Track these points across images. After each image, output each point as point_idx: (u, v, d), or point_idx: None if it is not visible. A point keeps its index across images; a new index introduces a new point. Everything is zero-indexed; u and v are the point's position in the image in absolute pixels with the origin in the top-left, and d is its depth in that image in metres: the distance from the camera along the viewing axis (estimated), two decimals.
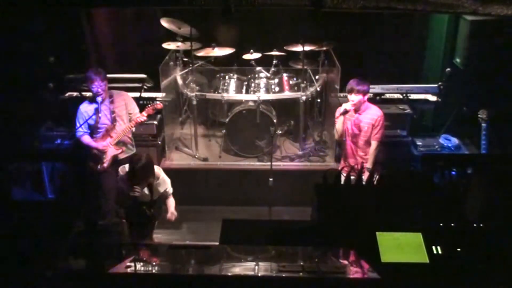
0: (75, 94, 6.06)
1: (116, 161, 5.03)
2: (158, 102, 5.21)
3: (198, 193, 5.87)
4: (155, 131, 5.85)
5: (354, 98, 4.60)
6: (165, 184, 4.46)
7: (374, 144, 4.68)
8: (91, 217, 2.37)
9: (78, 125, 4.88)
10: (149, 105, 5.03)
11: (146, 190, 4.22)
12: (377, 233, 2.30)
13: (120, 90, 5.22)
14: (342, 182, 3.89)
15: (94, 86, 4.79)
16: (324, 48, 6.10)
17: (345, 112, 4.64)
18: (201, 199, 5.86)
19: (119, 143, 5.00)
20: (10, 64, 5.48)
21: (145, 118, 4.94)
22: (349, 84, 4.65)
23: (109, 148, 4.95)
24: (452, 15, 5.97)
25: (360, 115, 4.69)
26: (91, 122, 4.89)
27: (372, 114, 4.67)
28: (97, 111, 4.84)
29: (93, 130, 4.96)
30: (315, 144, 6.31)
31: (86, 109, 4.93)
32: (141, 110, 5.08)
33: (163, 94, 6.00)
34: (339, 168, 4.90)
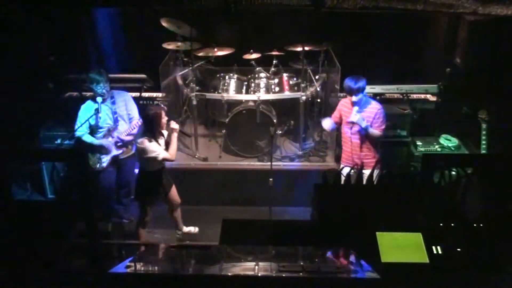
0: (75, 94, 6.07)
1: (115, 161, 5.04)
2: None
3: (198, 193, 5.87)
4: None
5: (355, 98, 4.64)
6: None
7: (377, 131, 4.70)
8: (92, 217, 2.38)
9: (79, 125, 4.88)
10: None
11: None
12: (377, 233, 2.30)
13: (120, 90, 5.23)
14: (343, 180, 3.89)
15: (99, 87, 4.81)
16: (324, 48, 6.10)
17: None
18: (201, 199, 5.86)
19: (121, 144, 5.04)
20: (10, 64, 5.48)
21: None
22: (346, 85, 4.67)
23: (112, 148, 4.99)
24: (452, 15, 5.97)
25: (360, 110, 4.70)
26: (92, 122, 4.89)
27: (372, 108, 4.71)
28: (97, 111, 4.85)
29: (93, 130, 4.97)
30: (315, 144, 6.31)
31: (88, 109, 4.92)
32: (141, 111, 5.11)
33: (163, 94, 6.00)
34: (341, 166, 4.91)
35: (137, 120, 5.02)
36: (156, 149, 4.54)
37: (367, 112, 4.70)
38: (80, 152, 4.99)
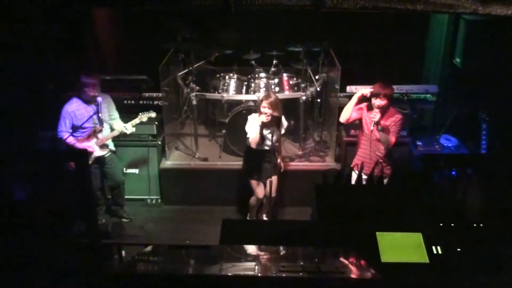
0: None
1: (98, 160, 5.13)
2: (151, 111, 5.28)
3: (198, 193, 5.87)
4: (155, 131, 5.85)
5: (380, 102, 4.53)
6: None
7: (390, 137, 4.63)
8: (92, 217, 2.38)
9: (63, 125, 4.93)
10: (142, 114, 5.12)
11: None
12: (377, 233, 2.31)
13: (105, 93, 5.22)
14: (354, 180, 3.89)
15: (91, 90, 4.84)
16: (324, 48, 6.10)
17: (377, 123, 4.56)
18: (201, 199, 5.86)
19: (104, 145, 5.12)
20: (10, 64, 5.48)
21: (132, 130, 5.12)
22: (374, 88, 4.60)
23: (95, 150, 5.05)
24: (452, 15, 5.98)
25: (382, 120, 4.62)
26: (77, 123, 4.93)
27: (393, 115, 4.64)
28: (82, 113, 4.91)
29: (77, 131, 4.99)
30: (315, 144, 6.31)
31: (72, 109, 4.94)
32: (141, 110, 5.14)
33: (163, 94, 6.00)
34: (352, 166, 4.85)
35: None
36: (249, 127, 4.91)
37: (388, 117, 4.64)
38: (81, 152, 5.02)
